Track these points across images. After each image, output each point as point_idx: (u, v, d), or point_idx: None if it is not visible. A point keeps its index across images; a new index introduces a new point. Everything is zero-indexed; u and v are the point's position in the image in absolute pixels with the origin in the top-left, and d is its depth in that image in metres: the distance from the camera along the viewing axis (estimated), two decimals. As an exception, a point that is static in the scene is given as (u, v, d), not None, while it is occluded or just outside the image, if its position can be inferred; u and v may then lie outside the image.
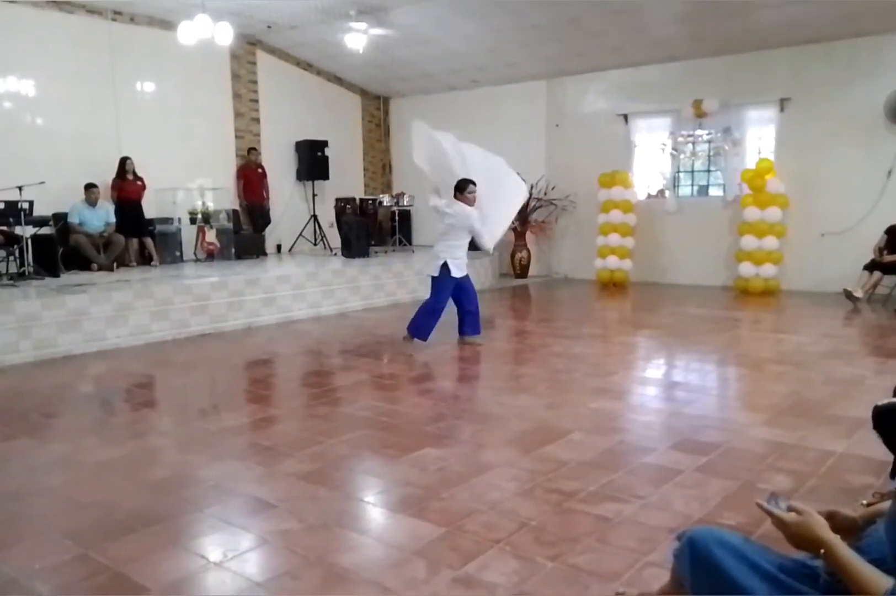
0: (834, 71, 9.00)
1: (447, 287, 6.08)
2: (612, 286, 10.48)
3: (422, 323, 6.08)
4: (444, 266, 6.02)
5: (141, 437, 4.07)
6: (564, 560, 2.51)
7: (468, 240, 6.16)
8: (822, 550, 1.50)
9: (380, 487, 3.28)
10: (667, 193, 10.63)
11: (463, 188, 6.01)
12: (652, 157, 10.62)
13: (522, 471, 3.35)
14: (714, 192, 10.45)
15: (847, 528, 1.77)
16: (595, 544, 2.63)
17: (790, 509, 1.58)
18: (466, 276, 6.24)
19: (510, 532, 2.72)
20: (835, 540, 1.51)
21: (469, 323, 6.29)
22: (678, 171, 10.62)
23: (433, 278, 6.15)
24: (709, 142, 10.11)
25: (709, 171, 10.48)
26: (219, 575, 2.47)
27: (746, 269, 9.34)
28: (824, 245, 9.24)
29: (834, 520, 1.76)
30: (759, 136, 9.77)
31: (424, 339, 6.12)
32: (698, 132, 10.09)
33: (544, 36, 9.70)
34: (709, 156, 10.31)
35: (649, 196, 10.76)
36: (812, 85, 9.15)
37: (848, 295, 8.22)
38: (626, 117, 10.66)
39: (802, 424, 4.00)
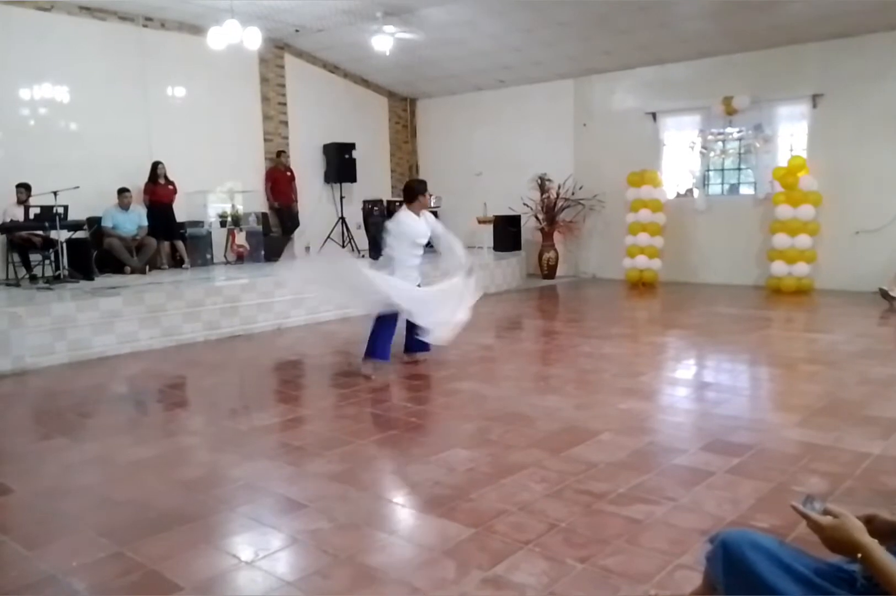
0: (867, 65, 8.84)
1: None
2: (642, 286, 10.39)
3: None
4: None
5: (173, 436, 4.12)
6: (594, 562, 2.49)
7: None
8: (860, 555, 1.48)
9: (409, 487, 3.28)
10: (695, 192, 10.52)
11: (417, 194, 5.46)
12: (681, 155, 10.52)
13: (551, 472, 3.34)
14: (745, 190, 10.32)
15: (886, 531, 1.73)
16: (625, 546, 2.61)
17: (826, 512, 1.55)
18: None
19: (539, 533, 2.71)
20: (872, 544, 1.48)
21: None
22: (708, 170, 10.50)
23: None
24: (739, 139, 9.99)
25: (739, 169, 10.35)
26: (250, 574, 2.49)
27: (779, 267, 9.20)
28: (859, 243, 9.08)
29: (872, 524, 1.73)
30: (791, 132, 9.62)
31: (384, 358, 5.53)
32: (728, 130, 9.97)
33: (571, 34, 9.65)
34: (739, 154, 10.18)
35: (678, 195, 10.66)
36: (845, 80, 8.99)
37: (883, 294, 8.06)
38: (654, 115, 10.57)
39: (837, 425, 3.93)
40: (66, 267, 7.67)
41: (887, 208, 8.83)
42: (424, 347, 5.63)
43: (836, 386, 4.81)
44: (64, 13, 8.70)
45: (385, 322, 5.33)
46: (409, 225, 5.39)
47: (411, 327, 5.51)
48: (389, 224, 5.47)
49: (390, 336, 5.40)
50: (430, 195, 5.55)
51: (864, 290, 8.71)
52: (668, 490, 3.10)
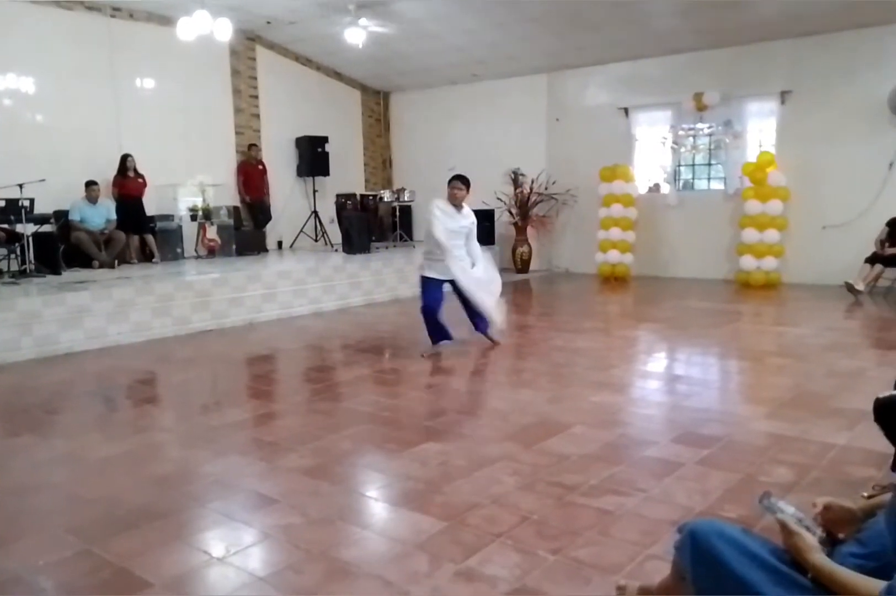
0: (835, 63, 8.97)
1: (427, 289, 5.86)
2: (614, 280, 10.47)
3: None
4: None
5: (143, 433, 4.08)
6: (566, 553, 2.51)
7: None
8: (809, 574, 1.56)
9: (381, 481, 3.28)
10: (663, 187, 10.62)
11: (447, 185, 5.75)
12: (653, 150, 10.60)
13: (524, 465, 3.35)
14: (715, 185, 10.44)
15: (844, 519, 1.78)
16: (597, 537, 2.63)
17: (781, 525, 1.65)
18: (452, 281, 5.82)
19: (512, 526, 2.73)
20: (819, 562, 1.56)
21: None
22: (679, 165, 10.60)
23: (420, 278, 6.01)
24: (710, 135, 10.09)
25: (710, 164, 10.46)
26: (222, 570, 2.48)
27: (748, 262, 9.33)
28: (826, 238, 9.23)
29: (830, 511, 1.78)
30: (760, 128, 9.75)
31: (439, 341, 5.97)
32: (699, 125, 10.07)
33: (544, 30, 9.67)
34: (710, 149, 10.29)
35: (650, 190, 10.75)
36: (813, 77, 9.12)
37: (849, 288, 8.21)
38: (626, 111, 10.64)
39: (804, 417, 4.00)
40: (33, 261, 7.53)
41: (854, 204, 8.98)
42: (447, 335, 5.94)
43: (804, 378, 4.89)
44: (28, 2, 8.52)
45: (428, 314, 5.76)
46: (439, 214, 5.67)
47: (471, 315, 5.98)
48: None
49: (436, 321, 5.80)
50: (457, 188, 5.74)
51: (830, 284, 8.86)
52: (639, 482, 3.13)
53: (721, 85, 9.61)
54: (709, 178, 10.55)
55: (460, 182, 5.75)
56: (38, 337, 6.04)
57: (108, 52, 9.27)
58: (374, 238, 10.83)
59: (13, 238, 7.68)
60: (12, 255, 7.84)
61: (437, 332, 5.88)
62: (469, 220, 5.87)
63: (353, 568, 2.45)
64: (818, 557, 1.57)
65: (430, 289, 5.79)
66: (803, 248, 9.35)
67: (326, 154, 11.60)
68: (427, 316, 5.80)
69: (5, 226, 7.66)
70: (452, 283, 5.79)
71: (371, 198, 11.44)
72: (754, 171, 9.22)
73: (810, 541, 1.60)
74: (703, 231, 10.18)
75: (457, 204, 5.77)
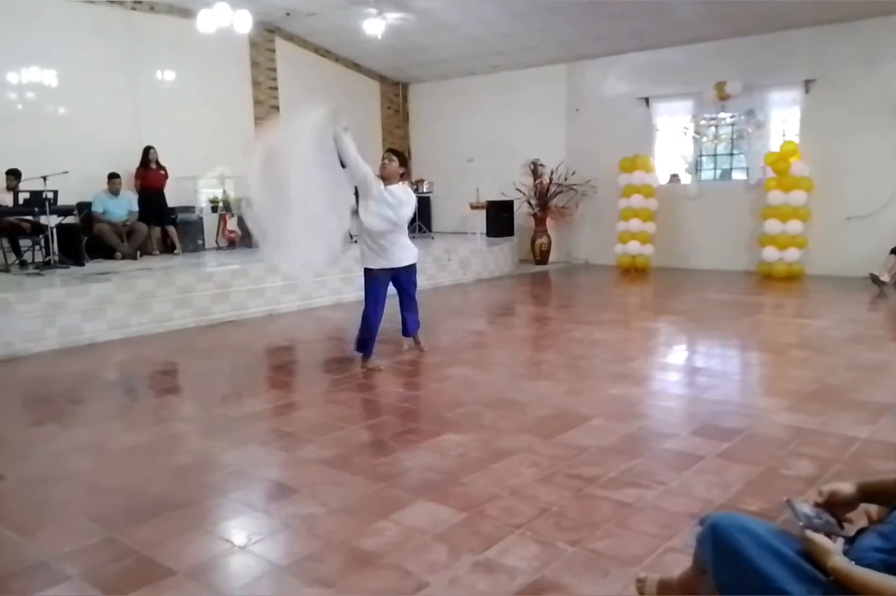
0: (859, 50, 8.82)
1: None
2: (633, 271, 10.41)
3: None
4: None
5: (164, 423, 4.12)
6: (585, 545, 2.51)
7: None
8: (830, 577, 1.56)
9: (400, 472, 3.29)
10: (682, 178, 10.52)
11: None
12: (673, 140, 10.50)
13: (542, 457, 3.35)
14: (737, 175, 10.32)
15: (846, 502, 1.80)
16: (616, 530, 2.63)
17: (806, 525, 1.65)
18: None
19: (531, 517, 2.73)
20: (835, 565, 1.55)
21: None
22: (700, 155, 10.49)
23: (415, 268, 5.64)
24: (731, 125, 9.97)
25: (731, 154, 10.35)
26: (243, 558, 2.51)
27: (770, 253, 9.23)
28: (849, 229, 9.11)
29: (837, 496, 1.77)
30: (784, 118, 9.62)
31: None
32: (721, 115, 9.95)
33: (563, 19, 9.58)
34: (731, 139, 10.17)
35: (670, 180, 10.66)
36: (837, 65, 8.98)
37: (873, 279, 8.11)
38: (647, 101, 10.54)
39: (825, 410, 3.96)
40: (56, 253, 7.61)
41: (878, 194, 8.85)
42: (415, 328, 5.59)
43: (826, 371, 4.84)
44: (51, -5, 8.59)
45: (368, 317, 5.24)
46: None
47: (403, 308, 5.55)
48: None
49: (373, 330, 5.25)
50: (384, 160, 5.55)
51: (854, 276, 8.75)
52: (658, 474, 3.12)
53: (743, 74, 9.49)
54: (730, 169, 10.44)
55: (391, 153, 5.40)
56: (62, 327, 6.11)
57: (129, 45, 9.32)
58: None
59: (37, 230, 7.77)
60: (36, 247, 7.93)
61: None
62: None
63: (372, 558, 2.46)
64: (836, 560, 1.55)
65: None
66: (827, 239, 9.23)
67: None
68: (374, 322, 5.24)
69: (30, 218, 7.76)
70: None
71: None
72: (777, 161, 9.11)
73: (825, 545, 1.59)
74: (724, 222, 10.08)
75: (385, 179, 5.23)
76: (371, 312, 5.23)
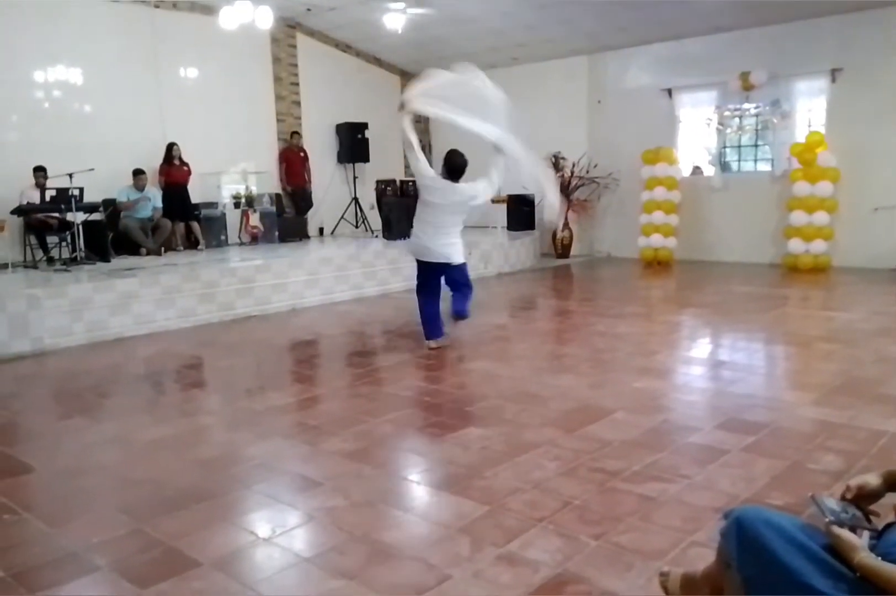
0: (886, 38, 8.65)
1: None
2: (657, 264, 10.33)
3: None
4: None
5: (190, 416, 4.17)
6: (608, 539, 2.51)
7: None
8: (857, 573, 1.54)
9: (423, 465, 3.31)
10: (705, 170, 10.41)
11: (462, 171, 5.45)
12: (697, 132, 10.39)
13: (565, 450, 3.35)
14: (762, 167, 10.20)
15: (873, 494, 1.77)
16: (639, 523, 2.62)
17: (832, 521, 1.62)
18: (445, 265, 5.56)
19: (553, 511, 2.73)
20: (864, 560, 1.53)
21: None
22: (724, 147, 10.38)
23: (463, 265, 5.62)
24: (756, 115, 9.83)
25: (756, 145, 10.22)
26: (267, 550, 2.53)
27: (796, 245, 9.11)
28: (877, 220, 8.96)
29: (865, 489, 1.75)
30: (809, 108, 9.47)
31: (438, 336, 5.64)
32: (745, 105, 9.82)
33: (584, 10, 9.50)
34: (756, 130, 10.04)
35: (694, 172, 10.56)
36: (864, 54, 8.81)
37: (902, 271, 7.98)
38: (670, 92, 10.43)
39: (852, 404, 3.91)
40: (83, 249, 7.72)
41: (907, 185, 8.70)
42: (463, 313, 5.64)
43: (852, 364, 4.78)
44: (75, -6, 8.68)
45: (427, 299, 5.55)
46: None
47: (455, 291, 5.62)
48: None
49: (436, 313, 5.57)
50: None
51: (881, 268, 8.63)
52: (682, 468, 3.10)
53: (768, 63, 9.35)
54: (755, 160, 10.31)
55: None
56: (89, 322, 6.20)
57: (151, 42, 9.39)
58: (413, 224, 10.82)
59: (64, 226, 7.88)
60: (63, 243, 8.05)
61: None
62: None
63: (395, 550, 2.48)
64: (861, 556, 1.54)
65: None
66: (853, 231, 9.09)
67: (366, 140, 11.62)
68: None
69: (56, 214, 7.86)
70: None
71: (411, 184, 11.41)
72: (803, 151, 8.98)
73: (851, 541, 1.57)
74: (748, 214, 9.96)
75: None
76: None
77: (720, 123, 10.10)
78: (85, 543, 2.61)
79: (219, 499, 2.95)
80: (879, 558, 1.53)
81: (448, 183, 5.40)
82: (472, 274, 9.48)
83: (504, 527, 2.61)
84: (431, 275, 5.58)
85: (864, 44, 8.82)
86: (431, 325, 5.57)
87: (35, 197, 7.71)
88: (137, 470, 3.32)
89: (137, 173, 8.77)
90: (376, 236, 10.77)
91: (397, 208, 10.24)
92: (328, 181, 11.61)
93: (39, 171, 7.93)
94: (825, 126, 9.24)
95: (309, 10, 10.23)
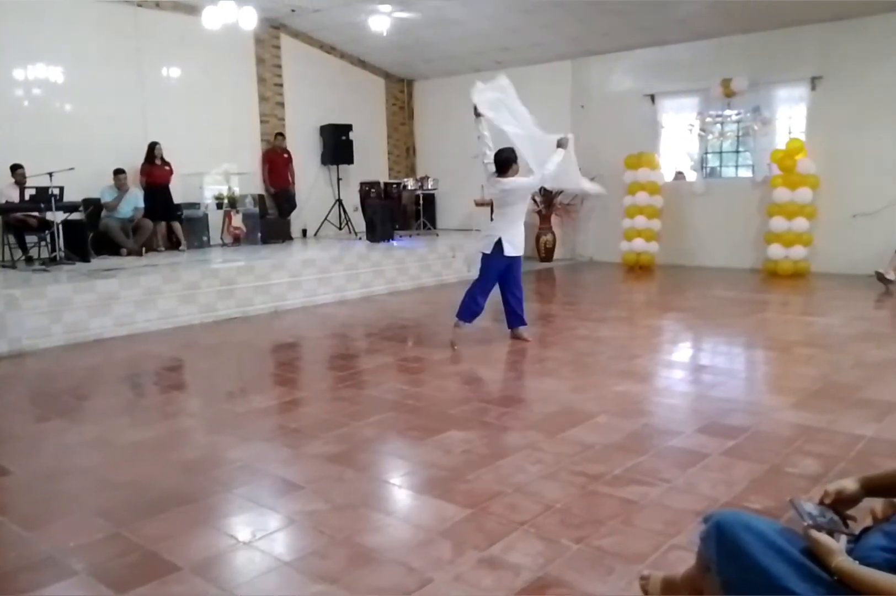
0: (866, 47, 8.78)
1: (496, 267, 5.78)
2: (639, 269, 10.40)
3: (468, 304, 5.80)
4: (498, 243, 5.72)
5: (171, 418, 4.13)
6: (589, 542, 2.51)
7: (524, 213, 6.00)
8: (834, 577, 1.55)
9: (405, 468, 3.30)
10: (689, 175, 10.50)
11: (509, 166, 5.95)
12: (679, 137, 10.47)
13: (547, 454, 3.36)
14: (743, 173, 10.29)
15: (851, 499, 1.81)
16: (620, 527, 2.63)
17: (810, 525, 1.64)
18: (518, 259, 5.90)
19: (535, 514, 2.73)
20: (839, 565, 1.54)
21: (517, 312, 5.91)
22: (706, 152, 10.46)
23: (484, 256, 5.80)
24: (738, 122, 9.94)
25: (737, 151, 10.32)
26: (248, 554, 2.51)
27: (776, 251, 9.20)
28: (856, 226, 9.07)
29: (843, 494, 1.77)
30: (790, 115, 9.58)
31: (469, 321, 5.86)
32: (727, 112, 9.92)
33: (569, 15, 9.56)
34: (737, 136, 10.13)
35: (676, 178, 10.63)
36: (844, 62, 8.93)
37: (879, 277, 8.07)
38: (652, 97, 10.51)
39: (831, 408, 3.96)
40: (63, 249, 7.64)
41: (885, 192, 8.82)
42: (522, 321, 5.90)
43: (832, 369, 4.83)
44: (57, -8, 8.59)
45: (484, 286, 5.77)
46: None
47: (508, 301, 5.85)
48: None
49: (484, 301, 5.77)
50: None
51: (860, 274, 8.72)
52: (663, 472, 3.12)
53: (750, 70, 9.45)
54: (736, 166, 10.41)
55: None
56: (68, 323, 6.13)
57: (134, 42, 9.33)
58: (397, 226, 10.83)
59: (43, 226, 7.79)
60: (42, 243, 7.97)
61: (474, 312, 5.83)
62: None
63: (376, 554, 2.47)
64: (839, 560, 1.55)
65: (500, 267, 5.84)
66: (833, 237, 9.20)
67: (350, 142, 11.60)
68: (486, 295, 5.83)
69: (36, 214, 7.77)
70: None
71: (395, 186, 11.43)
72: (783, 158, 9.08)
73: (829, 545, 1.58)
74: (729, 219, 10.05)
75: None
76: None
77: (702, 129, 10.19)
78: (62, 547, 2.58)
79: (199, 502, 2.93)
80: (857, 562, 1.54)
81: (494, 177, 5.92)
82: (455, 277, 9.57)
83: (485, 530, 2.61)
84: (504, 270, 5.84)
85: (844, 52, 8.93)
86: (473, 310, 5.81)
87: (14, 195, 7.64)
88: (116, 473, 3.29)
89: (118, 173, 8.70)
90: (360, 238, 10.75)
91: (381, 210, 10.23)
92: (312, 183, 11.58)
93: (18, 170, 7.85)
94: (805, 133, 9.35)
95: (293, 11, 10.20)
